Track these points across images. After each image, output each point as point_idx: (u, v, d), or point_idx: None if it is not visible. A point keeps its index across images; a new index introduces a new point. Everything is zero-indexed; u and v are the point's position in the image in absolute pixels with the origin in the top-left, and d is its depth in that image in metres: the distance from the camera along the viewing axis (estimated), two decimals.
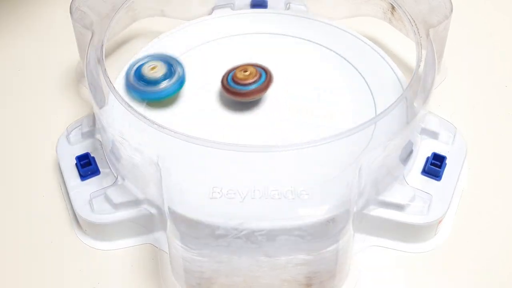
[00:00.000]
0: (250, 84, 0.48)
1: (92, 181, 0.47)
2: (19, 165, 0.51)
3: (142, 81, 0.48)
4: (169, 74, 0.48)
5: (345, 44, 0.54)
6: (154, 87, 0.48)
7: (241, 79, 0.48)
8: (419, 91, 0.46)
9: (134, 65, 0.49)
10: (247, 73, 0.48)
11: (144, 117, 0.42)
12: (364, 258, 0.45)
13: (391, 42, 0.58)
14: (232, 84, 0.48)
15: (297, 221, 0.40)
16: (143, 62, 0.49)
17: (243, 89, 0.48)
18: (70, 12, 0.50)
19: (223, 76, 0.49)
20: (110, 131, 0.45)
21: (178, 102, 0.50)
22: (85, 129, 0.49)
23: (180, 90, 0.50)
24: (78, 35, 0.51)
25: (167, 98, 0.49)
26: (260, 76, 0.48)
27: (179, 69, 0.49)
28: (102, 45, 0.48)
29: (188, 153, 0.42)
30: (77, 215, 0.46)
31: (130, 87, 0.49)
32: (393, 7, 0.54)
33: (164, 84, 0.48)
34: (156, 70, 0.48)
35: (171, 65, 0.49)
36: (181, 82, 0.49)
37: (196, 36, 0.55)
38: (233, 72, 0.49)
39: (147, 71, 0.48)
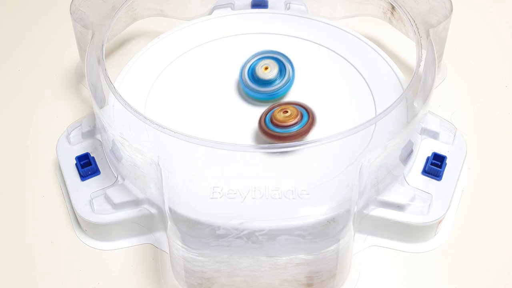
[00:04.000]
0: (291, 126, 0.45)
1: (92, 181, 0.47)
2: (19, 165, 0.51)
3: (256, 81, 0.48)
4: (281, 73, 0.48)
5: (345, 44, 0.54)
6: (268, 87, 0.48)
7: (280, 121, 0.45)
8: (419, 91, 0.46)
9: (247, 64, 0.49)
10: (287, 114, 0.45)
11: (145, 117, 0.42)
12: (364, 258, 0.45)
13: (391, 42, 0.58)
14: (271, 126, 0.45)
15: (298, 221, 0.40)
16: (255, 61, 0.49)
17: (283, 132, 0.45)
18: (70, 12, 0.50)
19: (261, 117, 0.46)
20: (110, 131, 0.44)
21: (179, 101, 0.50)
22: (85, 129, 0.49)
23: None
24: (78, 35, 0.51)
25: (280, 97, 0.49)
26: (302, 116, 0.45)
27: (288, 67, 0.48)
28: (102, 45, 0.48)
29: (189, 153, 0.42)
30: (77, 215, 0.46)
31: (245, 86, 0.49)
32: (393, 7, 0.54)
33: (277, 85, 0.48)
34: (269, 71, 0.48)
35: (282, 63, 0.49)
36: (292, 81, 0.49)
37: (196, 36, 0.55)
38: (271, 112, 0.46)
39: (261, 72, 0.48)
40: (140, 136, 0.44)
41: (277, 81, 0.48)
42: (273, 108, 0.46)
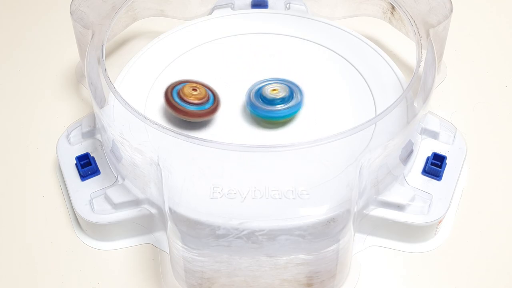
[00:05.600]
0: (193, 104, 0.46)
1: (92, 181, 0.47)
2: (19, 165, 0.51)
3: (261, 99, 0.47)
4: (288, 98, 0.47)
5: (345, 44, 0.54)
6: (271, 107, 0.47)
7: (186, 95, 0.46)
8: (419, 91, 0.46)
9: (257, 85, 0.48)
10: (195, 92, 0.46)
11: (145, 117, 0.42)
12: (364, 258, 0.45)
13: (391, 42, 0.58)
14: (175, 97, 0.46)
15: (298, 221, 0.40)
16: (266, 83, 0.48)
17: (183, 106, 0.46)
18: (70, 12, 0.50)
19: (169, 87, 0.47)
20: (110, 131, 0.45)
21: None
22: (85, 129, 0.49)
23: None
24: (78, 35, 0.51)
25: (282, 119, 0.48)
26: (208, 100, 0.47)
27: (298, 96, 0.47)
28: (102, 45, 0.48)
29: (189, 153, 0.42)
30: (77, 215, 0.46)
31: (249, 104, 0.48)
32: (393, 7, 0.54)
33: (280, 106, 0.47)
34: (277, 92, 0.47)
35: (292, 90, 0.48)
36: (298, 106, 0.47)
37: (196, 36, 0.55)
38: (180, 86, 0.47)
39: (268, 92, 0.47)
40: (140, 136, 0.44)
41: (282, 104, 0.47)
42: (185, 82, 0.47)
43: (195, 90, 0.46)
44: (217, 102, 0.47)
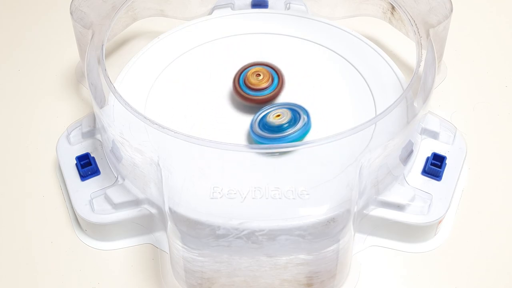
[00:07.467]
0: (263, 89, 0.48)
1: (92, 181, 0.47)
2: (19, 165, 0.51)
3: (267, 129, 0.46)
4: (294, 120, 0.46)
5: (345, 44, 0.54)
6: (279, 133, 0.46)
7: (254, 84, 0.48)
8: (419, 91, 0.46)
9: (260, 114, 0.47)
10: (260, 77, 0.48)
11: (145, 117, 0.42)
12: (364, 258, 0.45)
13: (391, 42, 0.58)
14: (245, 89, 0.48)
15: (298, 221, 0.40)
16: (268, 111, 0.47)
17: (256, 95, 0.48)
18: (70, 12, 0.50)
19: (235, 77, 0.49)
20: (110, 131, 0.45)
21: (179, 101, 0.50)
22: (85, 129, 0.49)
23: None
24: (78, 35, 0.51)
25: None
26: (273, 79, 0.48)
27: (304, 116, 0.46)
28: (102, 45, 0.48)
29: (189, 153, 0.42)
30: (77, 215, 0.46)
31: (255, 135, 0.46)
32: (393, 7, 0.54)
33: (289, 131, 0.46)
34: (281, 117, 0.46)
35: (296, 112, 0.46)
36: (306, 128, 0.46)
37: (196, 36, 0.55)
38: (244, 73, 0.49)
39: (272, 119, 0.46)
40: (140, 136, 0.44)
41: (289, 129, 0.46)
42: (245, 69, 0.49)
43: (259, 75, 0.48)
44: (281, 84, 0.49)
